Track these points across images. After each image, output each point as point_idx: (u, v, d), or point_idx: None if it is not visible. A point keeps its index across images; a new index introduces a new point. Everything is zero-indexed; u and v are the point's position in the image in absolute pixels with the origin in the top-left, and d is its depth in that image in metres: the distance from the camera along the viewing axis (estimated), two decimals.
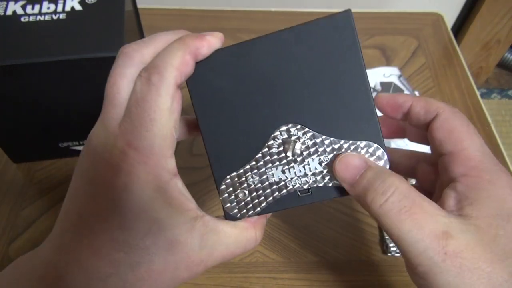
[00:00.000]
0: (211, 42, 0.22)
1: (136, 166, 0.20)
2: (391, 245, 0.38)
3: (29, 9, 0.35)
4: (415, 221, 0.20)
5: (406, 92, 0.48)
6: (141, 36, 0.48)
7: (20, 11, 0.35)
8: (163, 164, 0.21)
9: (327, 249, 0.39)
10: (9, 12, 0.35)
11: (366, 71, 0.22)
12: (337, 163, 0.22)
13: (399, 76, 0.50)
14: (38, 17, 0.34)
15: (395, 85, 0.49)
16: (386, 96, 0.26)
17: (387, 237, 0.39)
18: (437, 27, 0.61)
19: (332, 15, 0.22)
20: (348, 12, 0.21)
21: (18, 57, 0.32)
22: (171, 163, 0.21)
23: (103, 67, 0.34)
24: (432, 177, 0.26)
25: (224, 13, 0.60)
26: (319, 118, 0.22)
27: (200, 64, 0.22)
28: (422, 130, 0.25)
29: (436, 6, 0.65)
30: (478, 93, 0.52)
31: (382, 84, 0.48)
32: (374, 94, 0.45)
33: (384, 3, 0.91)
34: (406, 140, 0.30)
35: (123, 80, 0.21)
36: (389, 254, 0.39)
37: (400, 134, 0.29)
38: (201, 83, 0.22)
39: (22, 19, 0.34)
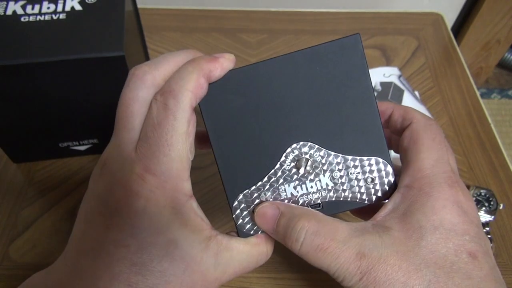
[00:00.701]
0: (224, 64, 0.22)
1: (155, 191, 0.20)
2: None
3: (29, 9, 0.35)
4: (330, 255, 0.21)
5: (406, 92, 0.48)
6: (141, 36, 0.48)
7: (20, 11, 0.35)
8: (180, 187, 0.21)
9: None
10: (9, 12, 0.35)
11: (374, 92, 0.23)
12: (255, 216, 0.23)
13: (399, 76, 0.50)
14: (38, 17, 0.34)
15: (395, 85, 0.49)
16: None
17: None
18: (437, 27, 0.61)
19: (341, 38, 0.22)
20: (357, 36, 0.22)
21: (18, 57, 0.32)
22: (187, 186, 0.22)
23: (103, 67, 0.34)
24: None
25: (224, 13, 0.60)
26: (329, 136, 0.23)
27: (212, 85, 0.22)
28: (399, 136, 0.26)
29: (436, 6, 0.65)
30: (478, 93, 0.52)
31: (382, 84, 0.48)
32: (374, 94, 0.45)
33: (384, 3, 0.91)
34: None
35: (136, 104, 0.21)
36: None
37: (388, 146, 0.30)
38: (213, 103, 0.23)
39: (22, 19, 0.34)
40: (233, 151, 0.23)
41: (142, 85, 0.21)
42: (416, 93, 0.50)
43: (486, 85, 1.38)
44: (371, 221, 0.23)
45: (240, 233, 0.24)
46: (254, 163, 0.23)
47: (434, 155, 0.23)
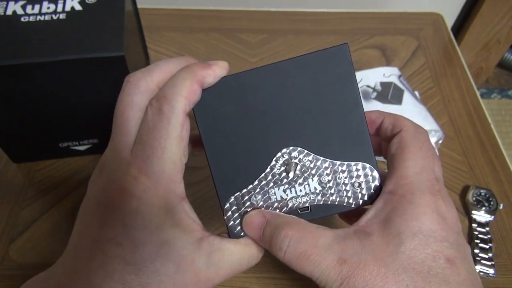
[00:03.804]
0: (217, 72, 0.23)
1: (147, 192, 0.21)
2: None
3: (29, 9, 0.35)
4: (312, 262, 0.22)
5: (406, 92, 0.48)
6: (141, 36, 0.48)
7: (20, 11, 0.35)
8: (172, 189, 0.22)
9: None
10: (9, 12, 0.35)
11: (361, 99, 0.24)
12: (243, 224, 0.24)
13: (399, 76, 0.50)
14: (38, 17, 0.34)
15: (395, 85, 0.49)
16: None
17: None
18: (437, 27, 0.61)
19: (330, 48, 0.23)
20: (345, 45, 0.23)
21: (18, 57, 0.32)
22: (180, 188, 0.22)
23: (103, 67, 0.34)
24: None
25: (224, 13, 0.60)
26: (318, 141, 0.24)
27: (206, 91, 0.23)
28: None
29: (436, 6, 0.65)
30: (478, 93, 0.52)
31: (382, 84, 0.48)
32: (374, 94, 0.45)
33: (384, 3, 0.91)
34: None
35: (131, 109, 0.22)
36: None
37: (377, 153, 0.30)
38: (206, 108, 0.24)
39: (22, 19, 0.34)
40: (225, 155, 0.24)
41: (137, 91, 0.22)
42: (416, 93, 0.50)
43: (486, 85, 1.39)
44: (353, 226, 0.23)
45: (231, 234, 0.25)
46: (245, 166, 0.24)
47: (419, 163, 0.24)
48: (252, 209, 0.24)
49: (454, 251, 0.22)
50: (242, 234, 0.25)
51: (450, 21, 1.10)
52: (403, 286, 0.20)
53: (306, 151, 0.24)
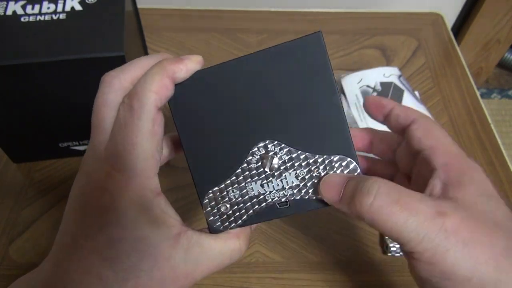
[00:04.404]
0: (189, 65, 0.23)
1: (121, 188, 0.21)
2: (391, 245, 0.38)
3: (29, 9, 0.35)
4: (408, 210, 0.21)
5: (406, 92, 0.48)
6: (141, 36, 0.48)
7: (20, 11, 0.35)
8: (146, 184, 0.22)
9: (327, 249, 0.39)
10: (9, 12, 0.35)
11: (337, 89, 0.23)
12: (321, 185, 0.23)
13: (399, 76, 0.50)
14: (38, 17, 0.34)
15: (395, 85, 0.49)
16: (372, 97, 0.28)
17: (387, 237, 0.39)
18: (437, 27, 0.61)
19: (303, 36, 0.23)
20: (318, 34, 0.23)
21: (18, 57, 0.32)
22: (154, 183, 0.22)
23: (103, 67, 0.34)
24: (409, 160, 0.28)
25: (224, 13, 0.60)
26: (295, 134, 0.23)
27: (181, 85, 0.23)
28: (397, 133, 0.28)
29: (436, 6, 0.65)
30: (478, 93, 0.52)
31: (382, 84, 0.48)
32: (374, 94, 0.45)
33: (384, 3, 0.91)
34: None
35: (106, 108, 0.22)
36: (389, 254, 0.39)
37: (367, 150, 0.31)
38: (181, 103, 0.24)
39: (22, 19, 0.34)
40: (202, 149, 0.24)
41: (111, 89, 0.22)
42: (416, 93, 0.50)
43: (486, 85, 1.38)
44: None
45: (211, 229, 0.24)
46: (222, 161, 0.24)
47: (450, 141, 0.25)
48: (230, 199, 0.24)
49: (509, 209, 0.23)
50: (221, 228, 0.24)
51: (450, 21, 1.10)
52: (504, 239, 0.21)
53: (282, 145, 0.23)
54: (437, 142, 0.25)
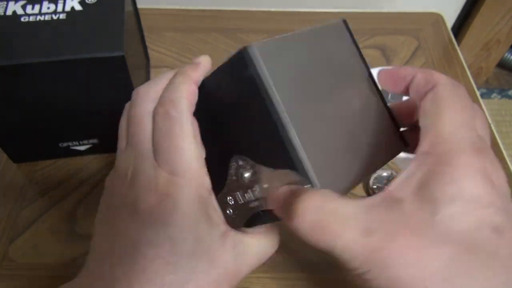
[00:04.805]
0: (206, 66, 0.24)
1: (183, 190, 0.22)
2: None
3: (29, 9, 0.35)
4: (333, 232, 0.19)
5: None
6: (141, 36, 0.48)
7: (20, 11, 0.35)
8: (202, 183, 0.23)
9: None
10: (9, 12, 0.35)
11: (280, 107, 0.21)
12: (269, 199, 0.22)
13: None
14: (38, 17, 0.34)
15: None
16: (386, 72, 0.25)
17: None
18: (437, 27, 0.61)
19: (235, 60, 0.22)
20: (248, 53, 0.21)
21: (18, 57, 0.32)
22: (207, 181, 0.23)
23: (103, 67, 0.34)
24: None
25: (224, 13, 0.60)
26: (256, 149, 0.23)
27: None
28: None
29: (436, 6, 0.65)
30: (478, 93, 0.52)
31: None
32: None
33: (384, 3, 0.90)
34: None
35: (146, 118, 0.23)
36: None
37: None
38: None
39: (22, 19, 0.34)
40: (207, 157, 0.24)
41: (148, 99, 0.23)
42: None
43: (486, 85, 1.39)
44: (381, 192, 0.21)
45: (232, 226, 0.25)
46: (218, 172, 0.24)
47: (458, 118, 0.21)
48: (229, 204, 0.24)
49: (502, 218, 0.18)
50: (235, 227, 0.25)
51: (450, 21, 1.10)
52: (444, 260, 0.18)
53: (248, 159, 0.23)
54: (435, 120, 0.21)
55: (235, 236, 0.23)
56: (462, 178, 0.19)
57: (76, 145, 0.42)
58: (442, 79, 0.22)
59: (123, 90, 0.36)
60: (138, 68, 0.43)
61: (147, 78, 0.50)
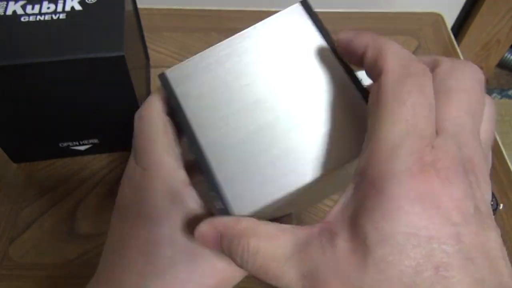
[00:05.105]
0: None
1: (153, 181, 0.22)
2: None
3: (29, 9, 0.35)
4: (274, 276, 0.18)
5: None
6: (141, 36, 0.48)
7: (20, 11, 0.35)
8: (173, 175, 0.22)
9: None
10: (9, 12, 0.35)
11: (193, 130, 0.21)
12: (196, 237, 0.21)
13: None
14: (38, 17, 0.34)
15: None
16: (343, 37, 0.21)
17: None
18: (437, 27, 0.61)
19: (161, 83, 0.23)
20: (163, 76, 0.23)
21: (18, 57, 0.32)
22: (181, 174, 0.23)
23: (103, 67, 0.34)
24: None
25: (224, 13, 0.60)
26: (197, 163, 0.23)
27: None
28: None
29: (436, 6, 0.65)
30: None
31: None
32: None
33: (384, 3, 0.91)
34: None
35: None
36: None
37: None
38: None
39: (22, 19, 0.34)
40: None
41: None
42: None
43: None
44: (320, 224, 0.19)
45: None
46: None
47: (400, 127, 0.16)
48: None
49: (447, 252, 0.15)
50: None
51: (450, 21, 1.10)
52: None
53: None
54: (374, 127, 0.17)
55: None
56: (396, 212, 0.15)
57: (76, 145, 0.42)
58: (390, 64, 0.17)
59: (123, 90, 0.37)
60: (138, 68, 0.43)
61: (147, 78, 0.50)
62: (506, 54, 1.33)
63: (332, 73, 0.21)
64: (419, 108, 0.16)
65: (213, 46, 0.23)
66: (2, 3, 0.35)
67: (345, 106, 0.21)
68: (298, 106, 0.21)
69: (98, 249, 0.37)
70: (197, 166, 0.23)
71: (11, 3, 0.35)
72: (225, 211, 0.20)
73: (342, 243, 0.16)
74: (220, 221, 0.20)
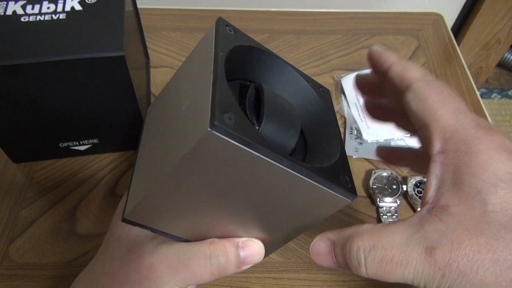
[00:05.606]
0: None
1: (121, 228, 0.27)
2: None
3: (29, 9, 0.35)
4: (398, 264, 0.19)
5: None
6: (141, 36, 0.48)
7: (20, 11, 0.35)
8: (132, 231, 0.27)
9: None
10: (9, 12, 0.35)
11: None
12: (312, 255, 0.23)
13: None
14: (38, 17, 0.34)
15: None
16: (376, 49, 0.25)
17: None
18: (437, 27, 0.61)
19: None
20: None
21: (18, 57, 0.32)
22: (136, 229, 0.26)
23: (103, 67, 0.34)
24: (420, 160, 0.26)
25: (224, 13, 0.60)
26: None
27: None
28: (398, 97, 0.24)
29: (436, 6, 0.65)
30: (478, 93, 0.52)
31: None
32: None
33: (384, 3, 0.91)
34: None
35: None
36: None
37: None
38: None
39: (22, 19, 0.34)
40: None
41: None
42: None
43: (486, 85, 1.39)
44: (423, 207, 0.20)
45: None
46: None
47: (450, 107, 0.21)
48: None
49: None
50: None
51: (450, 21, 1.10)
52: (508, 252, 0.17)
53: None
54: (432, 117, 0.21)
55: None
56: (490, 161, 0.19)
57: (76, 145, 0.42)
58: (415, 78, 0.23)
59: (123, 90, 0.37)
60: (138, 68, 0.43)
61: (147, 78, 0.50)
62: (506, 54, 1.33)
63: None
64: (451, 96, 0.21)
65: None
66: (2, 3, 0.35)
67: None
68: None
69: (97, 249, 0.37)
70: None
71: (11, 3, 0.35)
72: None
73: (457, 208, 0.19)
74: (329, 232, 0.22)
